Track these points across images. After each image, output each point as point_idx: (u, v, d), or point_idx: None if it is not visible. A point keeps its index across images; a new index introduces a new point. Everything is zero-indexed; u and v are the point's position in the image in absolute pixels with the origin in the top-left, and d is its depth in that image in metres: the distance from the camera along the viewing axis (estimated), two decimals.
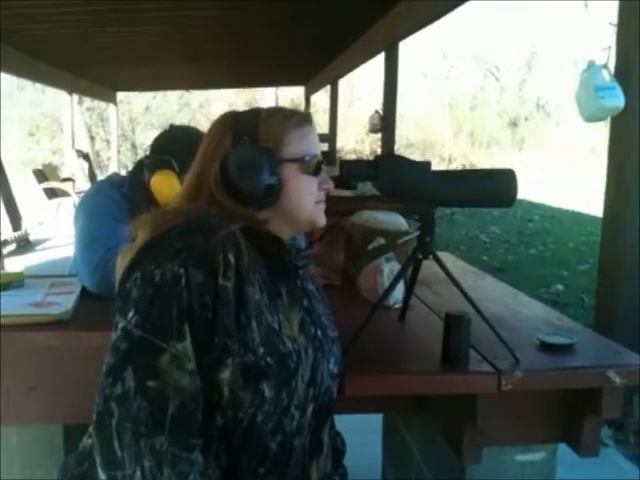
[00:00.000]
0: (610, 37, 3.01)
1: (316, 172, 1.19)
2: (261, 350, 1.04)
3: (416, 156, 19.90)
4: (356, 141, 18.80)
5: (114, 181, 2.01)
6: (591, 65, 2.88)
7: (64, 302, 1.63)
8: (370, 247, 1.83)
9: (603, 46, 2.97)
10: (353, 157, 18.76)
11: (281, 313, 1.11)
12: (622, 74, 2.81)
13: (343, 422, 1.30)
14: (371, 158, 1.35)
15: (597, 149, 15.14)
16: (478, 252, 7.33)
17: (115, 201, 1.91)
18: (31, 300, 1.64)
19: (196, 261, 1.01)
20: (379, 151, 10.89)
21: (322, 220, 1.22)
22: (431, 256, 1.33)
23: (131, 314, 1.00)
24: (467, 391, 1.28)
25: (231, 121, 1.19)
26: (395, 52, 6.40)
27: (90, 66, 9.85)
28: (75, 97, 12.40)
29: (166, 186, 1.85)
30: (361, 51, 7.85)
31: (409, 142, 19.42)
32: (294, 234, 1.27)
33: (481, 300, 1.66)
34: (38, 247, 7.60)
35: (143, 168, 1.91)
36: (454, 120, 21.11)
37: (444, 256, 2.05)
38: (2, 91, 20.08)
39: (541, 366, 1.29)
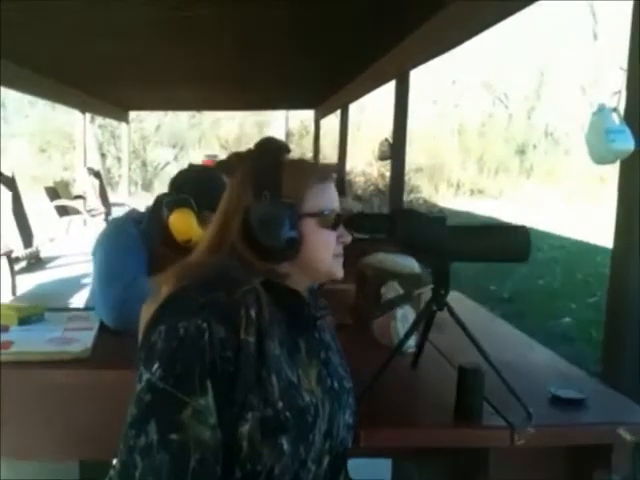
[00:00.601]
0: (620, 81, 3.05)
1: (335, 226, 1.23)
2: (280, 404, 1.06)
3: (424, 181, 19.96)
4: (365, 164, 18.87)
5: (133, 217, 2.06)
6: (601, 108, 2.91)
7: (83, 339, 1.67)
8: (383, 290, 1.87)
9: (613, 89, 3.01)
10: (362, 180, 18.82)
11: (300, 367, 1.14)
12: (632, 117, 2.84)
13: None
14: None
15: (605, 179, 15.18)
16: (487, 281, 7.33)
17: (133, 237, 1.95)
18: (50, 336, 1.68)
19: (219, 316, 1.04)
20: (387, 175, 10.94)
21: (340, 273, 1.25)
22: (445, 309, 1.36)
23: (155, 367, 1.02)
24: (480, 445, 1.30)
25: (253, 175, 1.22)
26: (406, 81, 6.45)
27: (103, 86, 9.97)
28: (87, 115, 12.54)
29: (184, 224, 1.90)
30: (372, 79, 7.92)
31: (418, 167, 19.48)
32: (312, 285, 1.30)
33: (492, 346, 1.68)
34: (49, 265, 7.66)
35: (162, 205, 1.96)
36: (463, 146, 21.19)
37: (453, 296, 2.08)
38: (13, 107, 20.31)
39: (553, 421, 1.32)
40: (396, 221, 1.31)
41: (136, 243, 1.92)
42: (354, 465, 1.28)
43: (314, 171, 1.23)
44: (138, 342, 1.13)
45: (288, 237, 1.16)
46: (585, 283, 7.36)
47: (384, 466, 1.72)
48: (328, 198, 1.23)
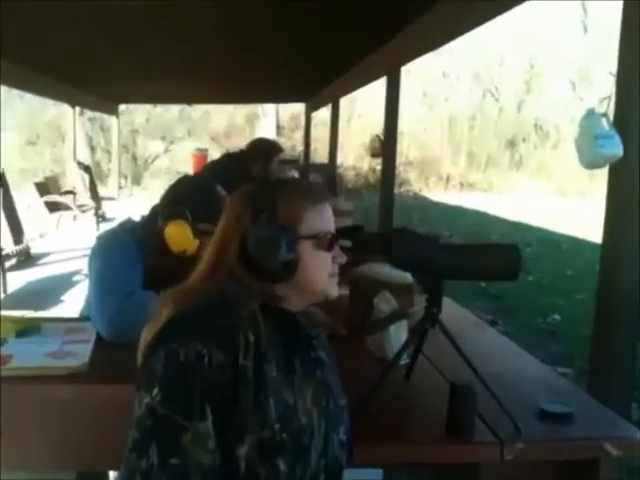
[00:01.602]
0: (610, 87, 3.08)
1: (330, 247, 1.25)
2: (277, 426, 1.09)
3: (414, 174, 19.99)
4: (355, 158, 18.90)
5: (128, 227, 2.07)
6: (591, 113, 2.94)
7: (80, 352, 1.69)
8: (376, 300, 1.90)
9: (602, 95, 3.05)
10: (352, 174, 18.84)
11: (296, 388, 1.16)
12: (621, 123, 2.87)
13: None
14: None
15: (594, 173, 15.28)
16: None
17: (129, 248, 1.97)
18: (48, 349, 1.69)
19: (218, 341, 1.07)
20: (378, 168, 10.97)
21: (335, 292, 1.28)
22: (438, 326, 1.39)
23: (156, 391, 1.05)
24: (470, 460, 1.34)
25: (250, 199, 1.24)
26: (397, 77, 6.47)
27: (92, 79, 9.91)
28: (77, 108, 12.49)
29: (179, 235, 1.92)
30: (363, 74, 7.93)
31: (408, 160, 19.52)
32: (307, 304, 1.33)
33: (483, 358, 1.72)
34: (39, 261, 7.63)
35: (157, 216, 1.98)
36: (453, 139, 21.24)
37: (445, 302, 2.11)
38: (3, 99, 20.10)
39: (541, 436, 1.35)
40: (391, 241, 1.34)
41: (133, 255, 1.94)
42: (346, 474, 1.32)
43: (310, 194, 1.26)
44: (137, 362, 1.15)
45: (285, 260, 1.18)
46: (574, 279, 7.43)
47: (376, 475, 1.76)
48: (324, 220, 1.26)
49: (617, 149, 2.78)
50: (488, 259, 1.36)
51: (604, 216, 2.95)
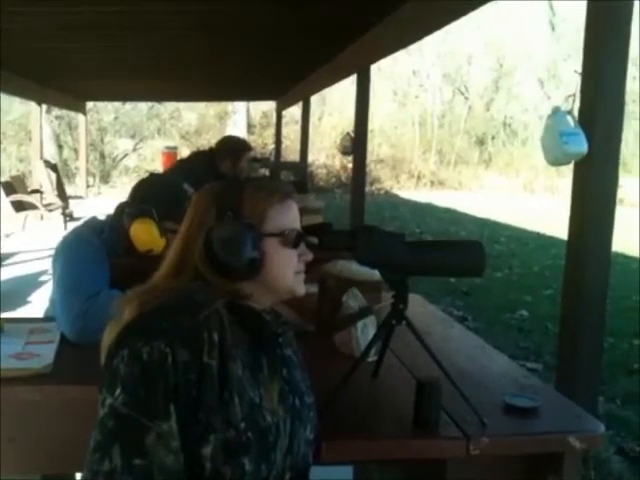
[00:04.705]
0: (575, 85, 3.12)
1: (296, 245, 1.25)
2: (242, 425, 1.08)
3: (385, 171, 20.09)
4: (326, 156, 18.91)
5: (93, 226, 2.04)
6: (556, 111, 2.98)
7: (44, 353, 1.66)
8: (344, 298, 1.90)
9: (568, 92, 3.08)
10: (324, 172, 18.86)
11: (262, 386, 1.16)
12: (586, 121, 2.90)
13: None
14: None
15: (562, 170, 15.50)
16: None
17: (94, 247, 1.94)
18: (11, 351, 1.66)
19: (182, 340, 1.06)
20: (350, 167, 10.99)
21: (301, 290, 1.28)
22: (404, 322, 1.39)
23: (118, 392, 1.04)
24: (437, 455, 1.35)
25: (215, 196, 1.23)
26: (367, 75, 6.50)
27: (59, 78, 9.77)
28: (44, 106, 12.30)
29: (145, 234, 1.90)
30: (333, 72, 7.95)
31: (379, 158, 19.59)
32: (274, 301, 1.32)
33: (450, 354, 1.74)
34: (5, 262, 7.50)
35: (123, 215, 1.95)
36: (423, 137, 21.39)
37: (414, 299, 2.12)
38: None
39: (506, 430, 1.37)
40: (357, 237, 1.34)
41: (98, 254, 1.91)
42: (316, 472, 1.31)
43: (274, 191, 1.25)
44: (100, 362, 1.14)
45: (250, 257, 1.18)
46: (541, 276, 7.53)
47: (346, 473, 1.76)
48: (289, 217, 1.25)
49: (582, 146, 2.82)
50: (452, 255, 1.37)
51: (569, 213, 2.99)
